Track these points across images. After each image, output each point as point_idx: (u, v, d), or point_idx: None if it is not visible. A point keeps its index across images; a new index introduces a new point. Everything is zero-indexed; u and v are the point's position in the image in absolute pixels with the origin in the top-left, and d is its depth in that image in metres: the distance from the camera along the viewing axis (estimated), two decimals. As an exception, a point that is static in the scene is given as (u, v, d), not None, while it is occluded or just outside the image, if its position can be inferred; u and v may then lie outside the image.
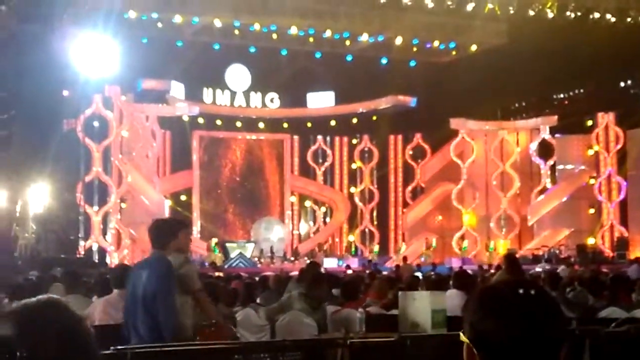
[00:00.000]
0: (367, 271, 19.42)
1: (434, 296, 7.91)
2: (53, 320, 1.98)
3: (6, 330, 1.92)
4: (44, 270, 15.37)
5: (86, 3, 30.75)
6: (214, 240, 34.53)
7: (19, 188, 28.27)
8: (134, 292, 6.69)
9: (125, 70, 31.29)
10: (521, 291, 2.16)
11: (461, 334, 2.19)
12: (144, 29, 33.89)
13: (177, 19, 33.47)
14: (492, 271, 20.46)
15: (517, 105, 39.49)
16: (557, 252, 33.25)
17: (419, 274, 18.22)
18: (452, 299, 9.42)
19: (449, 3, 32.13)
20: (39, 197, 29.15)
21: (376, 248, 39.01)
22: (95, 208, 31.64)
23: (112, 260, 30.43)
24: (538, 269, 24.87)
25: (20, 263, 22.77)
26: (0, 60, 27.85)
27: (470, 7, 32.30)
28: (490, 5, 32.48)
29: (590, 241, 35.09)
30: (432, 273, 18.28)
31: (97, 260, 30.14)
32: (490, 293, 2.19)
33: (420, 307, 7.55)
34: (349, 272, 24.04)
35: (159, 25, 33.88)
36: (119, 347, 5.67)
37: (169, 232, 6.91)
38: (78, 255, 29.94)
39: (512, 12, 32.54)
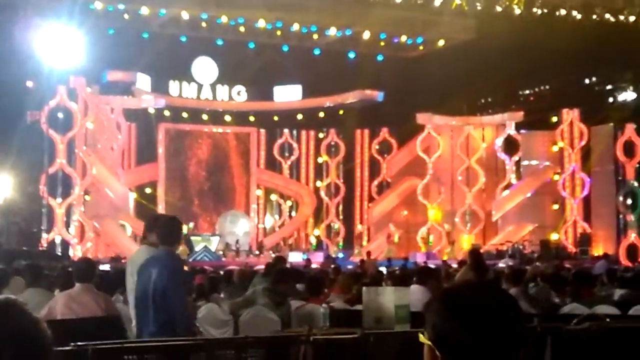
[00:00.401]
0: (332, 266, 19.41)
1: (398, 292, 7.92)
2: (9, 323, 1.93)
3: None
4: (6, 263, 15.20)
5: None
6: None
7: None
8: (143, 288, 6.74)
9: (91, 61, 31.01)
10: (482, 293, 2.18)
11: (421, 336, 2.19)
12: (110, 20, 33.62)
13: (144, 10, 33.25)
14: (456, 266, 20.60)
15: (483, 100, 39.74)
16: (521, 247, 33.51)
17: (382, 269, 18.29)
18: (415, 294, 9.46)
19: (417, -2, 32.28)
20: (1, 188, 28.86)
21: (340, 242, 39.13)
22: (59, 200, 31.33)
23: (76, 253, 30.19)
24: (502, 264, 25.07)
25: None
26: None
27: (437, 2, 32.46)
28: (457, 1, 32.65)
29: (554, 237, 35.40)
30: (397, 268, 18.36)
31: (60, 253, 29.88)
32: (453, 295, 2.21)
33: (384, 302, 7.55)
34: (314, 266, 24.03)
35: (126, 16, 33.63)
36: (80, 343, 5.61)
37: (179, 229, 7.16)
38: (40, 248, 29.69)
39: (479, 8, 32.72)
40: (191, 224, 36.06)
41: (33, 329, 1.95)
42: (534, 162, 37.13)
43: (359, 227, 40.36)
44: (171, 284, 6.63)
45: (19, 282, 9.28)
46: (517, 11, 32.60)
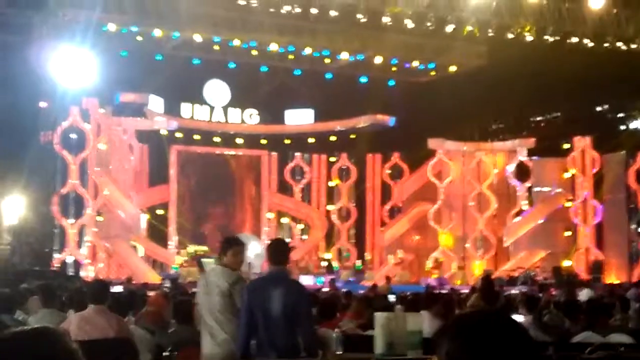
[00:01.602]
0: (344, 290, 19.35)
1: (410, 317, 7.88)
2: (47, 352, 1.93)
3: None
4: (18, 283, 15.24)
5: (65, 15, 30.64)
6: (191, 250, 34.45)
7: (-6, 199, 28.12)
8: (267, 308, 6.75)
9: (104, 82, 31.21)
10: (495, 321, 2.21)
11: (434, 360, 2.21)
12: (123, 42, 33.79)
13: (157, 32, 33.41)
14: (467, 292, 20.50)
15: (494, 126, 39.71)
16: (533, 274, 33.36)
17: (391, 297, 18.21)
18: (424, 320, 9.43)
19: (429, 24, 32.29)
20: (14, 208, 28.96)
21: (358, 263, 39.00)
22: (71, 220, 31.43)
23: (87, 273, 30.24)
24: (514, 290, 24.95)
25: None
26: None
27: (449, 28, 32.50)
28: (469, 27, 32.70)
29: (566, 264, 35.25)
30: (408, 293, 18.29)
31: (71, 273, 29.93)
32: (466, 322, 2.23)
33: (396, 328, 7.53)
34: (324, 290, 23.98)
35: (139, 38, 33.80)
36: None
37: (288, 249, 7.37)
38: (52, 268, 29.75)
39: (491, 34, 32.75)
40: (204, 247, 36.06)
41: (71, 358, 1.96)
42: (545, 189, 37.04)
43: (366, 255, 40.13)
44: (303, 306, 6.75)
45: (34, 302, 9.30)
46: (529, 38, 32.63)
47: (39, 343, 1.94)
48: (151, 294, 13.12)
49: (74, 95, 30.67)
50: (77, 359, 1.98)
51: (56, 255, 31.28)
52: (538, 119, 38.96)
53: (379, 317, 7.85)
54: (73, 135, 31.62)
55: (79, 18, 29.92)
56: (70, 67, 29.41)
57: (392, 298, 15.46)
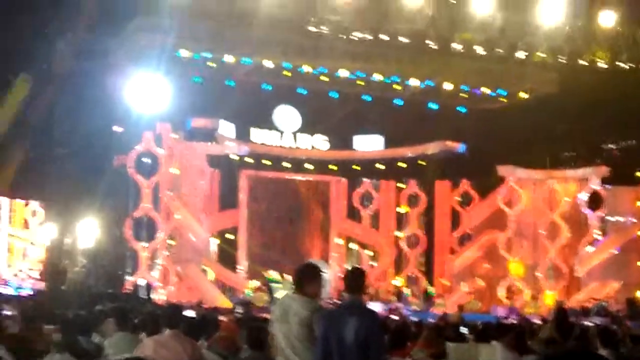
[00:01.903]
0: (413, 319, 19.23)
1: (483, 348, 7.84)
2: None
3: None
4: (93, 305, 15.50)
5: (140, 41, 31.25)
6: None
7: (69, 222, 28.69)
8: (342, 336, 6.79)
9: (176, 108, 31.70)
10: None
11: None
12: (196, 68, 34.29)
13: (229, 58, 33.83)
14: (538, 322, 20.22)
15: (566, 154, 39.16)
16: (606, 305, 32.70)
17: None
18: (497, 352, 9.32)
19: (500, 50, 32.11)
20: (88, 231, 29.50)
21: (430, 289, 38.71)
22: (144, 244, 31.88)
23: (159, 296, 30.59)
24: (587, 322, 24.48)
25: (69, 297, 22.97)
26: (59, 97, 28.40)
27: (520, 54, 32.26)
28: (541, 54, 32.40)
29: (640, 295, 34.49)
30: (479, 323, 18.09)
31: (143, 296, 30.31)
32: None
33: (469, 359, 7.49)
34: (393, 317, 23.85)
35: (211, 64, 34.27)
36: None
37: (364, 279, 7.37)
38: (125, 291, 30.16)
39: (563, 61, 32.41)
40: (273, 272, 36.21)
41: None
42: (619, 219, 36.34)
43: (428, 289, 39.71)
44: (377, 339, 6.80)
45: (109, 324, 9.45)
46: (602, 65, 32.19)
47: None
48: (222, 318, 13.21)
49: (147, 120, 31.21)
50: None
51: (128, 278, 31.71)
52: (611, 146, 38.31)
53: (451, 347, 7.82)
54: (146, 160, 32.11)
55: (154, 44, 30.48)
56: (145, 92, 29.96)
57: (462, 328, 15.28)
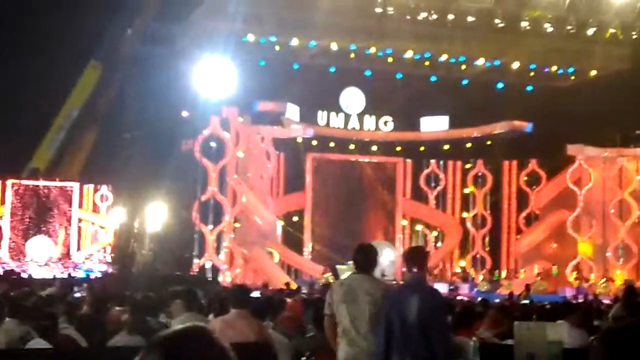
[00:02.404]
0: (479, 299, 19.11)
1: (551, 327, 7.77)
2: (201, 352, 2.01)
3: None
4: (161, 288, 15.72)
5: (206, 26, 31.49)
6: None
7: (138, 206, 29.12)
8: (404, 315, 6.74)
9: (243, 92, 31.88)
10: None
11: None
12: (262, 52, 34.46)
13: (294, 42, 33.90)
14: (609, 302, 19.92)
15: (637, 132, 38.36)
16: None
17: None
18: (564, 331, 9.23)
19: (569, 27, 31.58)
20: (156, 215, 29.92)
21: (497, 274, 38.40)
22: (210, 227, 32.25)
23: (225, 278, 30.93)
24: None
25: (138, 279, 23.37)
26: (126, 82, 28.82)
27: (591, 31, 31.67)
28: (612, 30, 31.75)
29: None
30: (547, 303, 17.93)
31: (210, 278, 30.67)
32: (614, 336, 2.19)
33: (536, 338, 7.43)
34: (459, 298, 23.77)
35: (277, 48, 34.39)
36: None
37: (425, 258, 7.33)
38: (192, 273, 30.56)
39: (635, 36, 31.70)
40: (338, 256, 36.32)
41: (226, 357, 2.04)
42: (691, 196, 35.57)
43: (495, 272, 39.37)
44: (438, 318, 6.79)
45: (177, 305, 9.58)
46: (675, 40, 31.44)
47: (195, 342, 2.03)
48: (288, 300, 13.31)
49: (214, 105, 31.45)
50: (228, 357, 2.06)
51: (195, 261, 32.11)
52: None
53: (519, 326, 7.77)
54: (213, 144, 32.44)
55: (220, 29, 30.68)
56: (211, 77, 30.17)
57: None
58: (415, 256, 7.20)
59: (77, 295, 14.64)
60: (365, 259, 7.57)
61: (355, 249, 7.75)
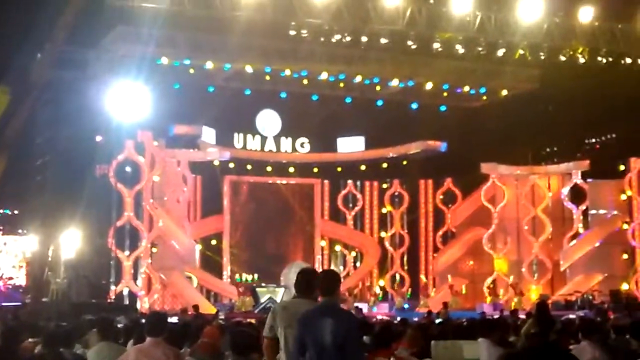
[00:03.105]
0: (398, 318, 19.26)
1: (467, 345, 7.85)
2: None
3: None
4: (76, 316, 15.42)
5: (119, 50, 31.12)
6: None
7: (51, 233, 28.50)
8: (319, 339, 6.67)
9: (158, 115, 31.59)
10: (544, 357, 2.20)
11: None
12: (176, 75, 34.18)
13: (209, 65, 33.72)
14: (524, 317, 20.25)
15: (548, 149, 39.34)
16: (591, 297, 32.89)
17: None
18: (483, 349, 9.34)
19: (480, 49, 32.12)
20: (71, 242, 29.33)
21: (408, 293, 38.82)
22: (127, 253, 31.80)
23: (143, 305, 30.50)
24: (572, 315, 24.60)
25: (52, 308, 22.86)
26: (37, 107, 28.26)
27: (500, 52, 32.28)
28: (521, 51, 32.45)
29: (624, 287, 34.67)
30: (464, 320, 18.14)
31: (127, 305, 30.20)
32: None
33: (454, 357, 7.50)
34: (379, 317, 23.89)
35: (191, 71, 34.18)
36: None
37: (338, 281, 7.18)
38: (109, 300, 30.04)
39: (542, 57, 32.47)
40: (256, 275, 36.21)
41: None
42: (602, 211, 36.54)
43: (422, 278, 40.03)
44: (354, 340, 6.71)
45: (94, 335, 9.39)
46: (582, 60, 32.29)
47: None
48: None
49: (128, 129, 31.09)
50: None
51: (112, 288, 31.60)
52: (592, 141, 38.50)
53: (435, 345, 7.83)
54: (128, 168, 32.04)
55: (133, 53, 30.36)
56: (125, 101, 29.83)
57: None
58: (327, 280, 7.15)
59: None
60: (308, 284, 7.49)
61: (298, 273, 7.67)
